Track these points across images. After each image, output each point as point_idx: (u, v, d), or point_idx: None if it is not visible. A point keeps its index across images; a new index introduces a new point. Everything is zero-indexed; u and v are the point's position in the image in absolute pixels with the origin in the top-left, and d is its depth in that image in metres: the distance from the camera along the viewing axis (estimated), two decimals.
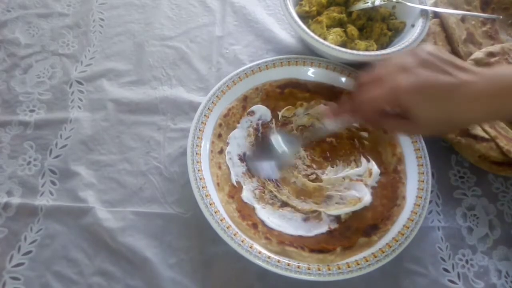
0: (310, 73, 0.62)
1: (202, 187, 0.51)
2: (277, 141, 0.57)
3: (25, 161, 0.56)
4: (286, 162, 0.56)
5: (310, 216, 0.52)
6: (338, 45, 0.61)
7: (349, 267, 0.47)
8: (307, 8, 0.66)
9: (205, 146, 0.55)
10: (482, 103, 0.41)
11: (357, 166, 0.57)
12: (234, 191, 0.53)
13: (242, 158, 0.56)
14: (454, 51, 0.62)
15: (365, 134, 0.59)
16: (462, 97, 0.41)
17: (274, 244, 0.49)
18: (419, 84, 0.42)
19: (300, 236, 0.51)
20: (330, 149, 0.58)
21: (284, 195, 0.54)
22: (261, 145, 0.57)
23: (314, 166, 0.57)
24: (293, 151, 0.57)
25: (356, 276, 0.47)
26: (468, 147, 0.56)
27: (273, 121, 0.60)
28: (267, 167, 0.55)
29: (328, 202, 0.54)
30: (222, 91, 0.58)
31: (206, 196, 0.50)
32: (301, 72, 0.62)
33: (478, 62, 0.59)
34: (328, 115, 0.52)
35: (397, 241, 0.49)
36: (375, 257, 0.48)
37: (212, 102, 0.57)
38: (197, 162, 0.52)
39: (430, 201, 0.54)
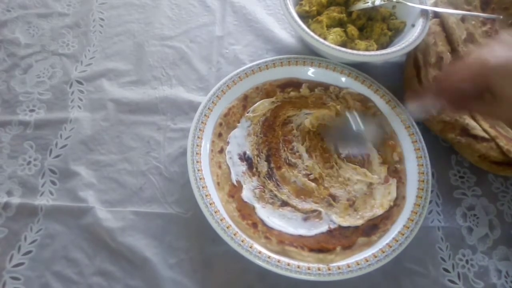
0: (310, 73, 0.62)
1: (202, 187, 0.51)
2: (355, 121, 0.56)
3: (25, 161, 0.56)
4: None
5: (310, 216, 0.52)
6: (338, 45, 0.61)
7: (349, 267, 0.47)
8: (307, 8, 0.66)
9: (205, 145, 0.55)
10: None
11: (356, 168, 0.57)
12: (234, 191, 0.53)
13: (242, 158, 0.56)
14: (454, 51, 0.62)
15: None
16: None
17: (274, 244, 0.49)
18: (508, 60, 0.39)
19: (300, 236, 0.51)
20: (329, 150, 0.58)
21: (284, 194, 0.54)
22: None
23: (313, 166, 0.57)
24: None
25: (356, 276, 0.47)
26: (468, 147, 0.56)
27: None
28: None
29: (331, 202, 0.54)
30: (222, 91, 0.58)
31: (206, 196, 0.50)
32: (301, 72, 0.62)
33: None
34: (411, 99, 0.48)
35: (397, 241, 0.49)
36: (375, 257, 0.48)
37: (212, 102, 0.57)
38: (197, 162, 0.52)
39: (430, 201, 0.54)
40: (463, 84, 0.42)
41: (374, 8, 0.66)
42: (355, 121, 0.58)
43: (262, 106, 0.60)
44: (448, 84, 0.43)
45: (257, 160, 0.56)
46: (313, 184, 0.55)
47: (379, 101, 0.60)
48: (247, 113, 0.59)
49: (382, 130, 0.55)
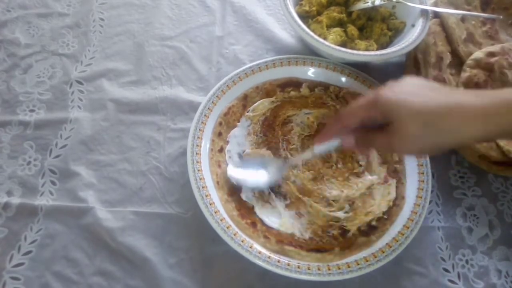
0: (310, 73, 0.62)
1: (202, 187, 0.51)
2: (264, 161, 0.55)
3: (25, 161, 0.56)
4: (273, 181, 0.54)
5: None
6: (338, 45, 0.61)
7: (349, 267, 0.47)
8: (307, 8, 0.66)
9: (205, 145, 0.55)
10: (470, 116, 0.39)
11: (355, 168, 0.57)
12: (234, 190, 0.53)
13: (242, 157, 0.56)
14: (454, 51, 0.62)
15: None
16: (449, 104, 0.40)
17: (273, 243, 0.49)
18: (401, 91, 0.42)
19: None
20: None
21: (283, 194, 0.54)
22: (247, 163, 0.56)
23: (313, 167, 0.57)
24: (279, 175, 0.54)
25: (356, 276, 0.47)
26: (468, 147, 0.56)
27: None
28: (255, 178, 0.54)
29: (330, 202, 0.54)
30: (222, 91, 0.58)
31: (206, 196, 0.50)
32: (301, 72, 0.62)
33: (478, 62, 0.59)
34: (316, 140, 0.49)
35: (397, 241, 0.49)
36: (375, 257, 0.48)
37: (212, 102, 0.57)
38: (197, 162, 0.52)
39: (430, 201, 0.54)
40: (360, 113, 0.44)
41: (374, 8, 0.66)
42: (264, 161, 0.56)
43: (262, 105, 0.60)
44: (348, 115, 0.45)
45: None
46: (312, 184, 0.55)
47: None
48: (247, 112, 0.59)
49: (285, 169, 0.55)
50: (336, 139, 0.47)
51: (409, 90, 0.42)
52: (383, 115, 0.42)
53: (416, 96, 0.41)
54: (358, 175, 0.56)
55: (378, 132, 0.43)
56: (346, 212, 0.53)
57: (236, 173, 0.53)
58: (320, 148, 0.49)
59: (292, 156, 0.56)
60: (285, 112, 0.60)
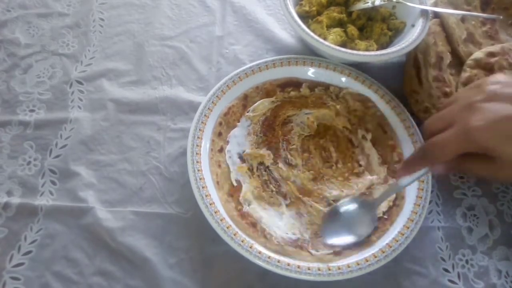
0: (310, 73, 0.62)
1: (202, 187, 0.51)
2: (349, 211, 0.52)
3: (25, 161, 0.56)
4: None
5: None
6: (338, 45, 0.61)
7: (349, 267, 0.47)
8: (307, 8, 0.66)
9: (205, 145, 0.55)
10: None
11: (355, 168, 0.57)
12: (234, 190, 0.53)
13: (242, 157, 0.56)
14: (454, 51, 0.62)
15: (365, 133, 0.59)
16: None
17: (273, 243, 0.49)
18: (492, 120, 0.38)
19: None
20: (329, 150, 0.58)
21: (283, 194, 0.54)
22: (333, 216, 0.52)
23: (313, 167, 0.57)
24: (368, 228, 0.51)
25: (356, 276, 0.47)
26: None
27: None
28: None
29: (331, 202, 0.54)
30: (222, 91, 0.58)
31: (206, 196, 0.50)
32: (301, 72, 0.62)
33: (478, 62, 0.59)
34: (401, 173, 0.48)
35: (397, 241, 0.49)
36: (375, 257, 0.48)
37: (212, 102, 0.57)
38: (197, 162, 0.52)
39: (430, 201, 0.54)
40: (453, 151, 0.41)
41: (374, 8, 0.66)
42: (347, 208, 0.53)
43: (262, 105, 0.60)
44: (438, 151, 0.42)
45: None
46: (312, 184, 0.55)
47: (379, 101, 0.60)
48: (247, 112, 0.59)
49: (375, 222, 0.51)
50: (421, 169, 0.46)
51: (501, 110, 0.38)
52: (479, 148, 0.39)
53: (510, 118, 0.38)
54: (358, 175, 0.56)
55: (476, 159, 0.41)
56: None
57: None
58: (405, 181, 0.49)
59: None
60: (285, 112, 0.60)
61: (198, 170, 0.52)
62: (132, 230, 0.52)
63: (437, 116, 0.45)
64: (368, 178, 0.55)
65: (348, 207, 0.52)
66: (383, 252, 0.48)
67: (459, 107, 0.42)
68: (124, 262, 0.50)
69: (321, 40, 0.60)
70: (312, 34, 0.61)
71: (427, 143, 0.44)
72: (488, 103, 0.39)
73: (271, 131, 0.59)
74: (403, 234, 0.50)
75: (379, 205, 0.52)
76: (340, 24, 0.66)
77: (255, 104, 0.60)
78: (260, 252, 0.48)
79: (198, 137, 0.54)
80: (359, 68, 0.62)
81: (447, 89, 0.58)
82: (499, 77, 0.41)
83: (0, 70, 0.64)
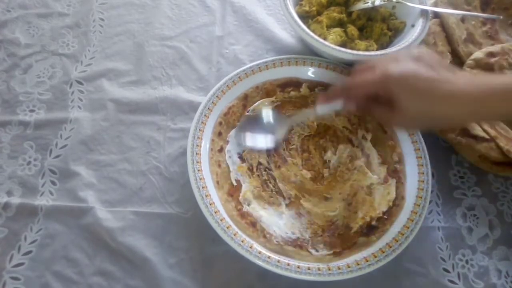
0: (310, 73, 0.62)
1: (202, 187, 0.51)
2: (268, 115, 0.58)
3: (25, 161, 0.56)
4: (277, 137, 0.56)
5: None
6: (338, 45, 0.61)
7: (349, 267, 0.47)
8: (307, 8, 0.66)
9: (205, 145, 0.55)
10: (464, 103, 0.44)
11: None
12: (234, 190, 0.53)
13: (242, 157, 0.56)
14: (454, 51, 0.62)
15: (365, 133, 0.59)
16: (445, 93, 0.43)
17: (273, 243, 0.49)
18: (406, 73, 0.45)
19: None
20: (329, 150, 0.58)
21: (283, 193, 0.54)
22: (252, 118, 0.58)
23: (313, 167, 0.57)
24: (282, 129, 0.57)
25: (356, 276, 0.47)
26: (468, 147, 0.56)
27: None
28: (260, 138, 0.56)
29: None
30: (222, 91, 0.58)
31: (206, 196, 0.50)
32: (301, 72, 0.62)
33: (478, 62, 0.59)
34: (320, 99, 0.53)
35: (397, 241, 0.49)
36: (375, 257, 0.48)
37: (212, 102, 0.57)
38: (197, 162, 0.52)
39: (430, 201, 0.54)
40: (367, 88, 0.48)
41: (374, 8, 0.66)
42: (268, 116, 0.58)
43: (262, 105, 0.60)
44: (355, 88, 0.49)
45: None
46: (312, 183, 0.55)
47: None
48: (247, 112, 0.59)
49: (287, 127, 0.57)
50: (338, 102, 0.51)
51: (414, 68, 0.45)
52: (387, 94, 0.45)
53: (421, 79, 0.44)
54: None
55: (379, 103, 0.47)
56: (346, 212, 0.53)
57: (244, 137, 0.56)
58: (322, 108, 0.53)
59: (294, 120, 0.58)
60: (285, 112, 0.60)
61: (198, 170, 0.52)
62: (132, 230, 0.52)
63: (366, 62, 0.50)
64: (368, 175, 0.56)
65: (266, 115, 0.58)
66: (383, 252, 0.48)
67: (385, 58, 0.49)
68: (124, 262, 0.50)
69: (321, 40, 0.60)
70: (312, 34, 0.61)
71: (349, 79, 0.51)
72: (410, 61, 0.46)
73: None
74: (403, 234, 0.50)
75: (292, 124, 0.58)
76: (340, 24, 0.66)
77: (255, 104, 0.60)
78: (260, 252, 0.48)
79: (198, 137, 0.54)
80: None
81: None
82: (425, 49, 0.49)
83: (0, 70, 0.64)
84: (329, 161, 0.57)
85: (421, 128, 0.56)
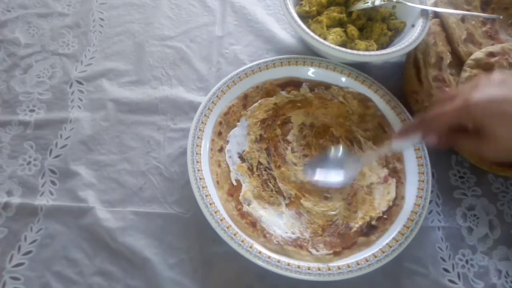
0: (310, 73, 0.62)
1: (202, 187, 0.51)
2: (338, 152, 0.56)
3: (25, 161, 0.56)
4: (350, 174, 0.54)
5: None
6: (338, 45, 0.61)
7: (349, 267, 0.47)
8: (307, 8, 0.66)
9: (205, 145, 0.55)
10: None
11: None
12: (234, 190, 0.53)
13: (242, 157, 0.56)
14: (454, 51, 0.62)
15: (364, 133, 0.59)
16: None
17: (273, 243, 0.49)
18: (493, 98, 0.41)
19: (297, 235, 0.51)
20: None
21: (283, 193, 0.54)
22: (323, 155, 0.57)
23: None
24: (355, 167, 0.54)
25: (356, 276, 0.47)
26: None
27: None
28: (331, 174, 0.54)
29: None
30: (222, 91, 0.58)
31: (206, 196, 0.50)
32: (301, 72, 0.62)
33: (478, 62, 0.59)
34: (397, 136, 0.50)
35: (397, 241, 0.49)
36: (375, 257, 0.48)
37: (212, 102, 0.57)
38: (197, 162, 0.52)
39: (430, 201, 0.54)
40: (448, 118, 0.44)
41: (374, 8, 0.66)
42: (337, 152, 0.56)
43: (262, 105, 0.60)
44: (435, 120, 0.45)
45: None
46: (312, 183, 0.55)
47: (379, 101, 0.60)
48: (247, 111, 0.59)
49: (360, 166, 0.55)
50: (416, 136, 0.48)
51: (501, 93, 0.41)
52: (473, 122, 0.42)
53: (509, 101, 0.40)
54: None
55: (465, 134, 0.44)
56: (346, 212, 0.53)
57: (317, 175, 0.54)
58: (398, 144, 0.50)
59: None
60: (285, 112, 0.60)
61: (198, 170, 0.52)
62: (132, 230, 0.52)
63: (447, 93, 0.48)
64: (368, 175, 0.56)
65: (336, 152, 0.56)
66: (383, 252, 0.48)
67: (466, 88, 0.46)
68: (124, 262, 0.50)
69: (321, 40, 0.60)
70: (312, 34, 0.61)
71: (429, 114, 0.46)
72: (492, 86, 0.42)
73: (271, 130, 0.59)
74: (403, 234, 0.50)
75: (367, 162, 0.56)
76: (340, 24, 0.66)
77: (255, 104, 0.60)
78: (260, 252, 0.48)
79: (198, 137, 0.54)
80: (359, 68, 0.62)
81: (447, 89, 0.58)
82: (504, 73, 0.45)
83: (0, 70, 0.64)
84: None
85: None
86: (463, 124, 0.43)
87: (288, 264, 0.47)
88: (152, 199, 0.54)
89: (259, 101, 0.60)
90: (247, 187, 0.54)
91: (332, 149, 0.56)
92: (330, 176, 0.54)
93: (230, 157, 0.56)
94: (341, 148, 0.56)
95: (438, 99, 0.48)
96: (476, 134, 0.42)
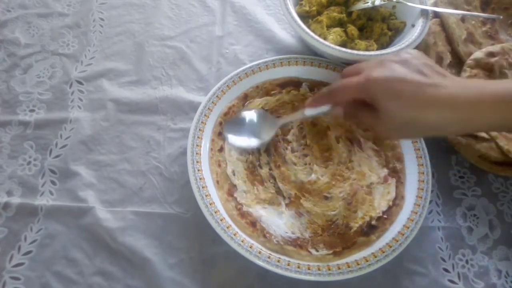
0: (310, 73, 0.62)
1: (202, 187, 0.51)
2: (256, 116, 0.58)
3: (25, 161, 0.56)
4: (264, 138, 0.56)
5: None
6: (338, 45, 0.61)
7: (349, 267, 0.47)
8: (307, 8, 0.66)
9: (205, 145, 0.55)
10: (452, 109, 0.40)
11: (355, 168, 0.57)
12: (234, 189, 0.53)
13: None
14: (454, 51, 0.62)
15: (363, 133, 0.59)
16: (430, 97, 0.41)
17: (272, 243, 0.49)
18: (390, 77, 0.42)
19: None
20: (328, 149, 0.58)
21: (283, 193, 0.54)
22: (237, 120, 0.58)
23: (313, 164, 0.57)
24: (271, 130, 0.57)
25: (356, 276, 0.47)
26: (468, 147, 0.56)
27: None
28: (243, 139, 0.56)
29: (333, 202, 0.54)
30: (222, 91, 0.58)
31: (206, 196, 0.50)
32: (301, 72, 0.62)
33: (478, 62, 0.59)
34: (308, 103, 0.52)
35: (397, 241, 0.49)
36: (375, 257, 0.48)
37: (212, 102, 0.57)
38: (197, 162, 0.52)
39: (430, 201, 0.54)
40: (351, 93, 0.46)
41: (374, 8, 0.66)
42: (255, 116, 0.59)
43: (253, 106, 0.60)
44: (340, 92, 0.47)
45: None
46: (312, 183, 0.55)
47: None
48: (244, 107, 0.59)
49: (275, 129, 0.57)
50: (326, 105, 0.50)
51: (399, 71, 0.42)
52: (371, 100, 0.44)
53: (407, 84, 0.42)
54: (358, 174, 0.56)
55: (367, 109, 0.45)
56: (345, 212, 0.53)
57: (232, 138, 0.56)
58: (310, 111, 0.52)
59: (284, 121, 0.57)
60: (285, 112, 0.60)
61: (198, 170, 0.52)
62: (132, 230, 0.52)
63: (354, 65, 0.49)
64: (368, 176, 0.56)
65: (252, 114, 0.58)
66: (383, 252, 0.48)
67: (372, 62, 0.46)
68: (124, 262, 0.50)
69: (321, 40, 0.60)
70: (312, 34, 0.61)
71: (335, 83, 0.49)
72: (395, 64, 0.43)
73: None
74: (403, 234, 0.50)
75: (281, 125, 0.57)
76: (340, 24, 0.66)
77: (255, 104, 0.60)
78: (260, 252, 0.48)
79: (198, 137, 0.54)
80: None
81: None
82: (415, 51, 0.46)
83: (0, 70, 0.64)
84: (329, 160, 0.57)
85: (407, 137, 0.53)
86: (366, 99, 0.45)
87: (288, 264, 0.47)
88: (152, 199, 0.54)
89: (259, 100, 0.60)
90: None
91: (251, 112, 0.58)
92: (242, 141, 0.56)
93: (230, 157, 0.56)
94: (256, 114, 0.58)
95: (346, 72, 0.49)
96: (373, 110, 0.44)
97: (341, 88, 0.47)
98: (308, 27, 0.63)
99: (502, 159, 0.55)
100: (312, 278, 0.47)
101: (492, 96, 0.40)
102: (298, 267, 0.47)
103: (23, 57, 0.65)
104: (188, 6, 0.73)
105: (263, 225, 0.51)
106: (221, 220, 0.49)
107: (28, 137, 0.58)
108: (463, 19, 0.63)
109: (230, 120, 0.57)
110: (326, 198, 0.54)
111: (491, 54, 0.59)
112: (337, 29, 0.64)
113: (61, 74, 0.64)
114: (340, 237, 0.51)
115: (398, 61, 0.44)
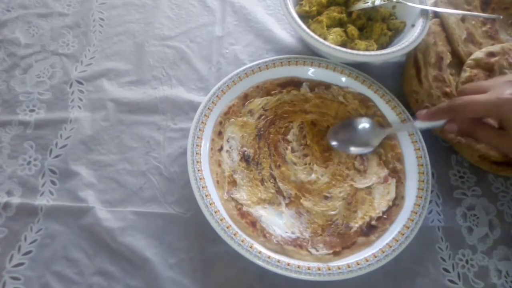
0: (310, 72, 0.62)
1: (202, 187, 0.51)
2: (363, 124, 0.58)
3: (25, 161, 0.56)
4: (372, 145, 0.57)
5: None
6: (338, 45, 0.61)
7: (349, 267, 0.47)
8: (307, 8, 0.66)
9: (205, 145, 0.55)
10: None
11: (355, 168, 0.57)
12: (234, 189, 0.53)
13: (242, 156, 0.56)
14: (454, 51, 0.62)
15: None
16: None
17: (272, 243, 0.49)
18: None
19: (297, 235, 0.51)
20: (328, 149, 0.58)
21: (283, 192, 0.54)
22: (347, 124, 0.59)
23: (313, 164, 0.57)
24: (377, 139, 0.57)
25: (356, 276, 0.47)
26: (468, 147, 0.56)
27: None
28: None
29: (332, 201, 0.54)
30: (222, 90, 0.58)
31: (206, 196, 0.50)
32: (301, 72, 0.62)
33: (478, 62, 0.59)
34: (422, 116, 0.51)
35: (397, 241, 0.49)
36: (375, 257, 0.48)
37: (212, 101, 0.57)
38: (197, 162, 0.52)
39: (430, 201, 0.54)
40: (477, 110, 0.45)
41: (374, 8, 0.66)
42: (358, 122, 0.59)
43: (263, 102, 0.60)
44: (462, 108, 0.46)
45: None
46: (312, 183, 0.55)
47: (379, 101, 0.60)
48: (244, 107, 0.59)
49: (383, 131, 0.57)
50: (442, 120, 0.49)
51: None
52: (499, 120, 0.43)
53: None
54: (358, 174, 0.56)
55: (489, 128, 0.45)
56: (345, 212, 0.53)
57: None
58: (422, 124, 0.51)
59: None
60: (285, 112, 0.60)
61: (198, 170, 0.52)
62: (132, 230, 0.52)
63: (476, 83, 0.48)
64: (368, 176, 0.55)
65: (361, 122, 0.58)
66: (383, 252, 0.48)
67: (498, 82, 0.46)
68: (124, 262, 0.50)
69: (321, 40, 0.60)
70: (312, 34, 0.61)
71: (458, 98, 0.47)
72: None
73: (271, 129, 0.59)
74: (403, 234, 0.50)
75: (389, 133, 0.57)
76: (340, 24, 0.66)
77: (255, 103, 0.60)
78: (260, 252, 0.48)
79: (198, 137, 0.54)
80: (359, 68, 0.62)
81: (447, 89, 0.58)
82: None
83: (0, 70, 0.64)
84: (329, 160, 0.57)
85: None
86: (494, 119, 0.44)
87: (288, 264, 0.47)
88: (152, 199, 0.54)
89: (259, 99, 0.60)
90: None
91: (358, 121, 0.58)
92: (348, 145, 0.57)
93: (230, 156, 0.56)
94: (368, 122, 0.58)
95: (468, 89, 0.47)
96: (498, 129, 0.43)
97: (466, 105, 0.46)
98: (308, 27, 0.63)
99: (502, 159, 0.55)
100: (312, 278, 0.47)
101: None
102: (298, 267, 0.47)
103: (23, 57, 0.65)
104: (188, 6, 0.73)
105: (263, 225, 0.51)
106: (221, 220, 0.49)
107: (28, 137, 0.58)
108: (463, 19, 0.63)
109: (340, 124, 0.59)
110: (326, 198, 0.54)
111: (491, 54, 0.59)
112: (337, 29, 0.64)
113: (61, 74, 0.64)
114: (340, 237, 0.51)
115: None
